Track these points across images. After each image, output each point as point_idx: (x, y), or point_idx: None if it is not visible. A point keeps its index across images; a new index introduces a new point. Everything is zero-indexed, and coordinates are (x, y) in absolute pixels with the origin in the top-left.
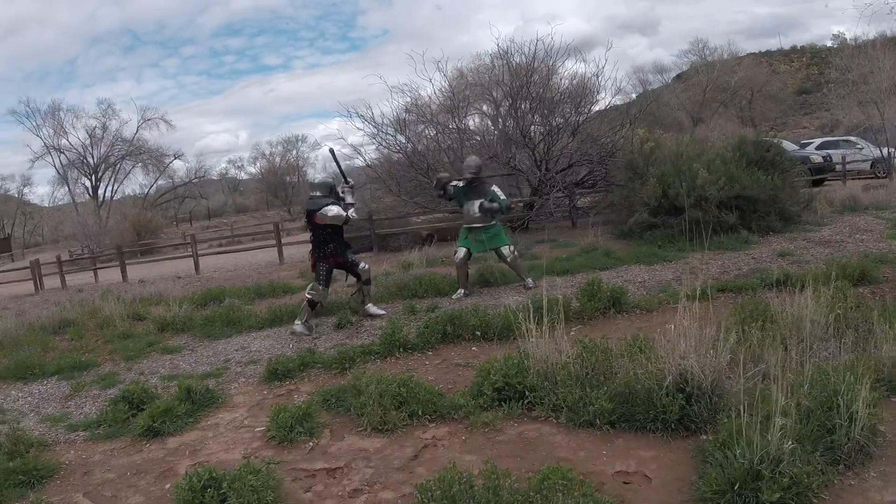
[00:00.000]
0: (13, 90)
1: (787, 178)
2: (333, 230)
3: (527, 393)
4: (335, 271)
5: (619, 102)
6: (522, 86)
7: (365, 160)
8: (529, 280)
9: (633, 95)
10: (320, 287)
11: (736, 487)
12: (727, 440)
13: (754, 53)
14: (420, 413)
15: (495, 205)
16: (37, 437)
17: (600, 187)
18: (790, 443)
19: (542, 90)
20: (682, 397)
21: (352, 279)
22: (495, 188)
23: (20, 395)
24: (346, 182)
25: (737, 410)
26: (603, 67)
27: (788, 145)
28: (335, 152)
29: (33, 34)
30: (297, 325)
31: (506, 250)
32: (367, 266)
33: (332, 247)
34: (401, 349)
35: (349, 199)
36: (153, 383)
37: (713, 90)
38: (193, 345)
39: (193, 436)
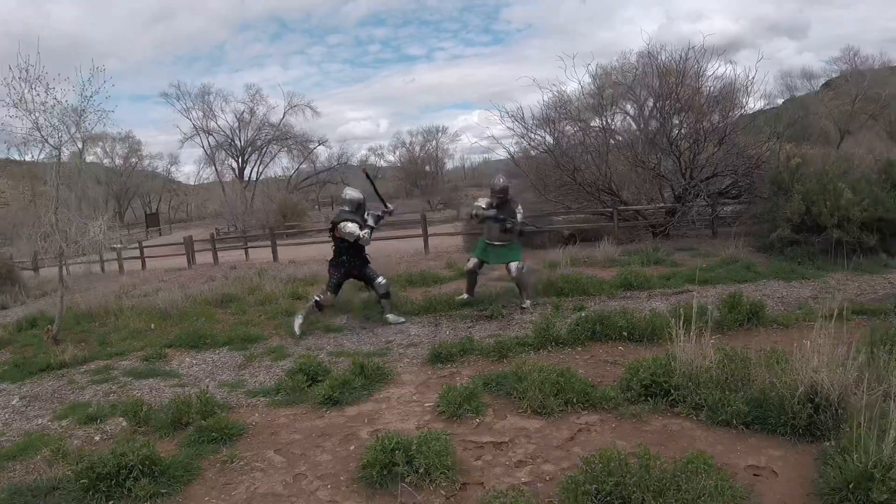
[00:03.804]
0: (163, 73)
1: None
2: (351, 244)
3: (671, 391)
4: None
5: (763, 107)
6: (672, 90)
7: (511, 154)
8: (528, 302)
9: (780, 101)
10: (328, 293)
11: (851, 486)
12: (847, 446)
13: None
14: (574, 401)
15: (508, 224)
16: (219, 400)
17: (744, 198)
18: None
19: (691, 95)
20: (810, 407)
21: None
22: (519, 209)
23: (193, 361)
24: (387, 207)
25: (857, 422)
26: (754, 77)
27: None
28: (369, 174)
29: (183, 20)
30: (298, 319)
31: (513, 266)
32: (383, 281)
33: (345, 259)
34: (553, 343)
35: (370, 222)
36: (321, 358)
37: (863, 101)
38: (353, 326)
39: (369, 407)
